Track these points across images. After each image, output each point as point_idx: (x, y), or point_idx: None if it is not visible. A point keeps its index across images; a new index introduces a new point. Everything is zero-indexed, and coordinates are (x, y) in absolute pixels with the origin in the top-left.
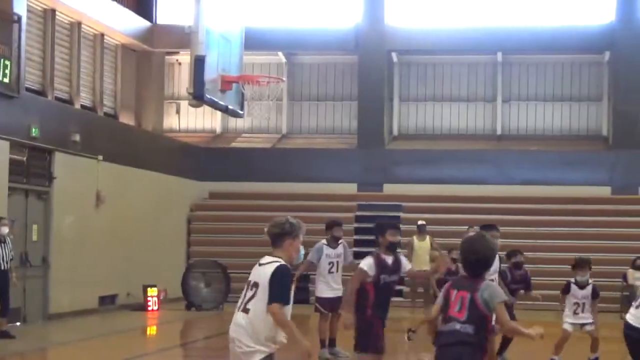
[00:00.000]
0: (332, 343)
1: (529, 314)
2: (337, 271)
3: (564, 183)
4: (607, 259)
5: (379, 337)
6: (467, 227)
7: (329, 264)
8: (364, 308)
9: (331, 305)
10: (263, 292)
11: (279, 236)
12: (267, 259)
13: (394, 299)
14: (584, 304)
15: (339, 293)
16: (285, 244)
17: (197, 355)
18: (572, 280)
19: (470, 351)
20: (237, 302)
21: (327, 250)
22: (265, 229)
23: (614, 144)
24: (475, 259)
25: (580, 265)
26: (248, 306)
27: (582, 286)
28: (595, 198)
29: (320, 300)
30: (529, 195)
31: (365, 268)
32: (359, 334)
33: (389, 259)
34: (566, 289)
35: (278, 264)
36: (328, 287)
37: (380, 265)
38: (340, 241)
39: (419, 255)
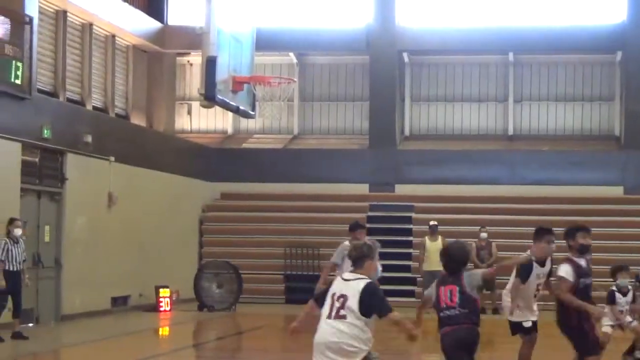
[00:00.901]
0: None
1: None
2: None
3: (576, 183)
4: (620, 259)
5: (595, 337)
6: (478, 227)
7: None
8: (570, 314)
9: None
10: (353, 303)
11: (360, 258)
12: (350, 275)
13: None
14: (626, 309)
15: None
16: (366, 265)
17: (210, 356)
18: (613, 288)
19: (469, 328)
20: (248, 302)
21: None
22: (346, 252)
23: (625, 144)
24: (451, 261)
25: (621, 269)
26: (342, 313)
27: (624, 292)
28: (608, 198)
29: None
30: (541, 195)
31: (566, 276)
32: (576, 340)
33: (582, 262)
34: (611, 299)
35: (366, 281)
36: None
37: (577, 269)
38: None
39: (431, 256)
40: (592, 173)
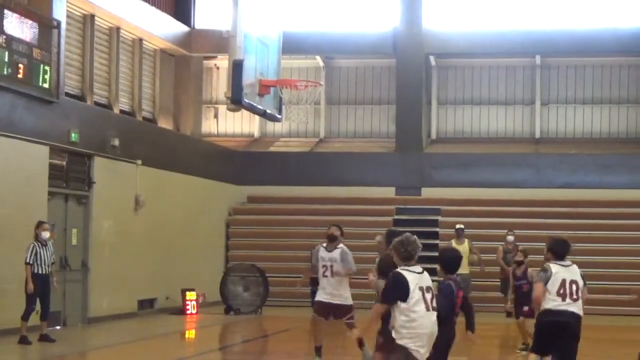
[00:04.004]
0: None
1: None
2: (331, 276)
3: (604, 186)
4: None
5: None
6: (505, 230)
7: (322, 267)
8: None
9: (326, 310)
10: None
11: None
12: (418, 268)
13: None
14: None
15: (335, 300)
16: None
17: (237, 359)
18: None
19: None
20: (274, 305)
21: (322, 252)
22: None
23: None
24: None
25: None
26: (434, 304)
27: None
28: (636, 201)
29: (314, 303)
30: (568, 198)
31: None
32: None
33: None
34: None
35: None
36: (322, 291)
37: None
38: (339, 246)
39: None
40: (620, 176)
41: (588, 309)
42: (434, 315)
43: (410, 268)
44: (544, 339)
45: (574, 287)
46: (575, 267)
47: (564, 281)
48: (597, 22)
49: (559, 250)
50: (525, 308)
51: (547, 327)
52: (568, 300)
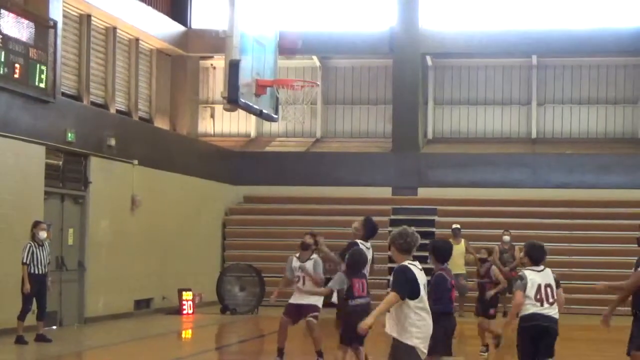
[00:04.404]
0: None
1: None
2: (302, 285)
3: (600, 186)
4: None
5: None
6: (502, 230)
7: (296, 277)
8: None
9: (294, 311)
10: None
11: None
12: (419, 264)
13: None
14: None
15: (305, 301)
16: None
17: (233, 359)
18: None
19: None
20: (270, 305)
21: (294, 262)
22: (409, 239)
23: None
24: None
25: None
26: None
27: None
28: (632, 201)
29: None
30: (565, 198)
31: None
32: None
33: None
34: None
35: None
36: (294, 296)
37: None
38: (312, 256)
39: (454, 259)
40: (616, 176)
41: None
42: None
43: (415, 263)
44: (528, 344)
45: (549, 290)
46: (548, 270)
47: (539, 286)
48: (593, 22)
49: (535, 256)
50: (492, 310)
51: (531, 331)
52: (546, 304)
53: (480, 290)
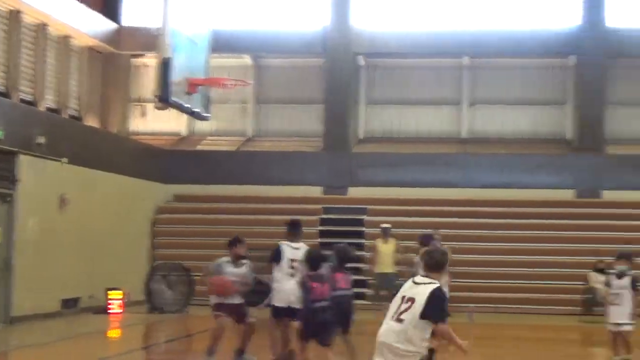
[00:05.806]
0: (241, 353)
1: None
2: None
3: (529, 186)
4: (571, 262)
5: None
6: (432, 230)
7: (233, 282)
8: None
9: (228, 311)
10: (418, 307)
11: (443, 264)
12: (422, 279)
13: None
14: None
15: (236, 300)
16: (443, 271)
17: (160, 359)
18: None
19: None
20: (200, 305)
21: (229, 268)
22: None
23: (577, 147)
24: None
25: None
26: (402, 317)
27: None
28: (560, 201)
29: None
30: (494, 198)
31: None
32: None
33: None
34: None
35: (435, 286)
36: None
37: None
38: (244, 261)
39: (384, 259)
40: (544, 176)
41: (516, 309)
42: (395, 325)
43: (416, 278)
44: None
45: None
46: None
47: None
48: (523, 24)
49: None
50: None
51: None
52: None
53: None
